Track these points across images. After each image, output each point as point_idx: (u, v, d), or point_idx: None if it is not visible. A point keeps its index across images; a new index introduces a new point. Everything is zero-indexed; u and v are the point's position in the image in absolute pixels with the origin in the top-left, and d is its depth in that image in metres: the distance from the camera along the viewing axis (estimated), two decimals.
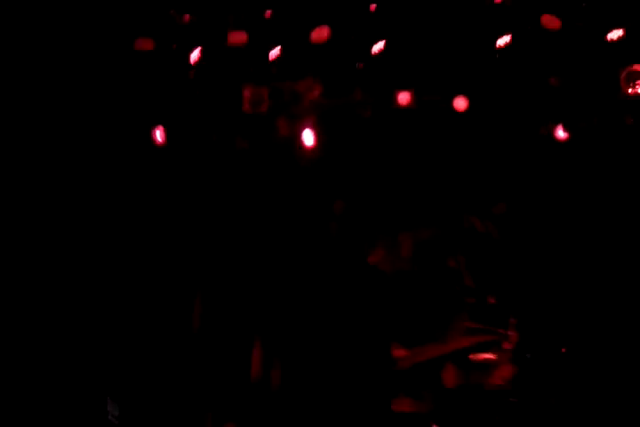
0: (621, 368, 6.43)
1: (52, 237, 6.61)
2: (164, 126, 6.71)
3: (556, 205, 6.62)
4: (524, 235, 6.72)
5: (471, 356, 6.51)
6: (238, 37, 6.43)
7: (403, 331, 6.64)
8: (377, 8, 6.46)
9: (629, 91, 6.23)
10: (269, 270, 6.70)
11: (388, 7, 6.52)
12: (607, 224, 6.52)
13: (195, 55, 6.44)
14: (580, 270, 6.62)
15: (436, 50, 6.56)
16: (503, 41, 6.48)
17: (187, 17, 6.43)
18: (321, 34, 6.45)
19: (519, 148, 6.62)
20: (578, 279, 6.65)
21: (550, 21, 6.26)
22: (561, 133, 6.47)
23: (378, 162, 6.82)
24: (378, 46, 6.56)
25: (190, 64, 6.53)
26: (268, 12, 6.48)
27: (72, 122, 6.62)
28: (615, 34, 6.29)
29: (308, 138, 6.80)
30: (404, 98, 6.67)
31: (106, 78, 6.57)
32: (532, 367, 6.50)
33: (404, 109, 6.68)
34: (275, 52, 6.51)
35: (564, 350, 6.52)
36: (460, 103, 6.61)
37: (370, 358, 6.57)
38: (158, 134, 6.74)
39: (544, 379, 6.52)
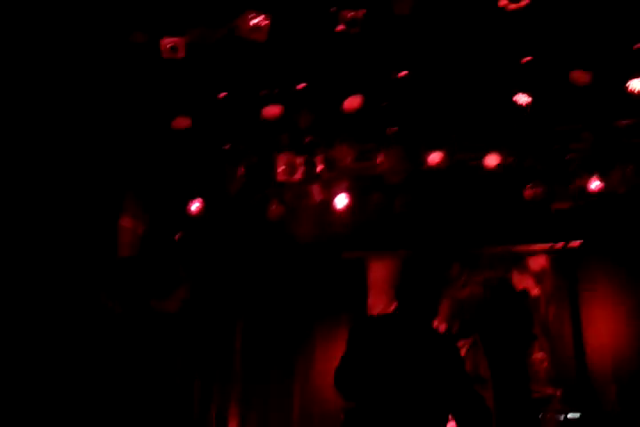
0: None
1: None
2: (202, 199, 6.79)
3: None
4: None
5: None
6: (273, 110, 6.46)
7: None
8: (407, 74, 6.52)
9: None
10: None
11: (418, 71, 6.58)
12: None
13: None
14: None
15: (465, 108, 6.65)
16: (527, 99, 6.59)
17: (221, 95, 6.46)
18: (353, 102, 6.51)
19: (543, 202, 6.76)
20: None
21: (580, 76, 6.37)
22: (595, 185, 6.63)
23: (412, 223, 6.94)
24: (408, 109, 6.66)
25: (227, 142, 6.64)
26: (300, 85, 6.52)
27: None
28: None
29: (341, 202, 6.89)
30: (435, 158, 6.78)
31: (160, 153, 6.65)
32: None
33: (436, 169, 6.79)
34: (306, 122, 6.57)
35: None
36: (492, 160, 6.74)
37: None
38: (195, 206, 6.81)
39: None
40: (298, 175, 6.65)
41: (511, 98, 6.47)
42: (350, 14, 5.83)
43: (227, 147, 6.74)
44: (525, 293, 7.01)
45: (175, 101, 6.34)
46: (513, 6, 5.80)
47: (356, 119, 6.50)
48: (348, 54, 6.33)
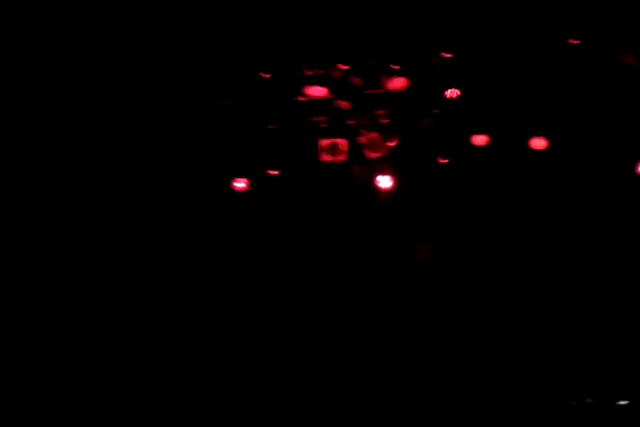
0: None
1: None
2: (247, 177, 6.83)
3: None
4: None
5: None
6: (319, 91, 6.52)
7: None
8: (452, 56, 6.51)
9: None
10: None
11: (462, 53, 6.57)
12: None
13: None
14: None
15: (511, 91, 6.62)
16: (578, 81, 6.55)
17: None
18: (397, 83, 6.52)
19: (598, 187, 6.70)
20: None
21: (629, 59, 6.32)
22: None
23: (455, 204, 6.92)
24: (453, 92, 6.64)
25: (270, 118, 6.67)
26: (345, 67, 6.54)
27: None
28: None
29: (385, 182, 6.89)
30: (480, 140, 6.75)
31: (192, 130, 6.71)
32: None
33: (481, 151, 6.76)
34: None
35: None
36: (538, 143, 6.70)
37: None
38: (241, 184, 6.85)
39: None
40: (342, 157, 6.70)
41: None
42: None
43: (272, 127, 6.78)
44: None
45: (220, 80, 6.43)
46: None
47: (399, 100, 6.54)
48: (393, 35, 6.37)
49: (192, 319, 6.69)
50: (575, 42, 6.46)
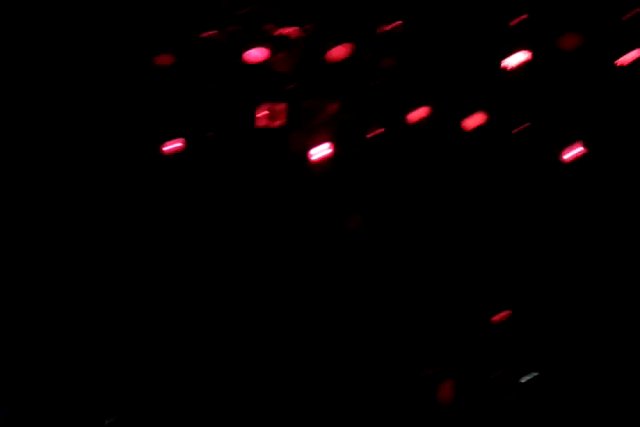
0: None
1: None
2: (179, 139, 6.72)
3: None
4: None
5: None
6: (257, 55, 6.42)
7: None
8: (393, 27, 6.48)
9: None
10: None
11: (405, 26, 6.55)
12: None
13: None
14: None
15: (450, 66, 6.62)
16: (518, 59, 6.56)
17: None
18: (339, 52, 6.47)
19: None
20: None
21: (569, 41, 6.36)
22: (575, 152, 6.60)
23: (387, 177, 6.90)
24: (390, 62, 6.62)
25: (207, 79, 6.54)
26: (288, 30, 6.46)
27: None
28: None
29: (321, 151, 6.85)
30: (417, 114, 6.74)
31: (119, 89, 6.55)
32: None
33: (418, 125, 6.75)
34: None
35: None
36: (474, 120, 6.70)
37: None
38: (171, 147, 6.75)
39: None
40: (279, 122, 6.62)
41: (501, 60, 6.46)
42: None
43: (210, 87, 6.67)
44: None
45: (158, 39, 6.31)
46: None
47: (341, 70, 6.48)
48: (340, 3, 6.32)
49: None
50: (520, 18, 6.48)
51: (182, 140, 6.69)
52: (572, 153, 6.56)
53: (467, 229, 6.79)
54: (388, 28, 6.49)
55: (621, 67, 6.37)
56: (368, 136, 6.75)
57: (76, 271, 6.59)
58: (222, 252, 6.71)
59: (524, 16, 6.31)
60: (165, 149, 6.72)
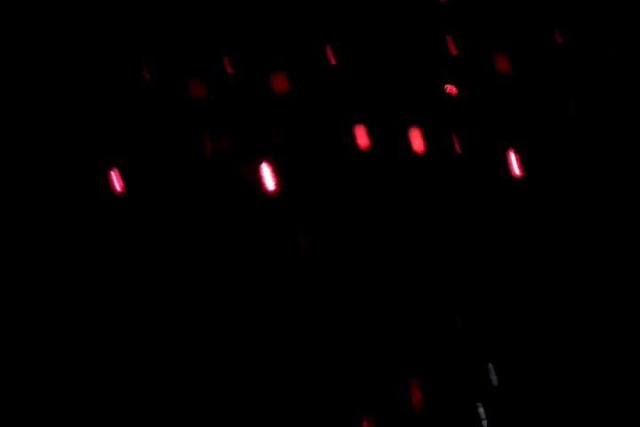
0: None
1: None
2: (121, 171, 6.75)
3: None
4: None
5: None
6: (199, 90, 6.52)
7: None
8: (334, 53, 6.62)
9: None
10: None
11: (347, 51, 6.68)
12: None
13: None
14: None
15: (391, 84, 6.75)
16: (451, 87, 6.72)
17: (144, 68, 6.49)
18: (280, 84, 6.59)
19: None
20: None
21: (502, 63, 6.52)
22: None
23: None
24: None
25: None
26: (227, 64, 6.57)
27: None
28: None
29: (269, 182, 6.91)
30: (362, 138, 6.85)
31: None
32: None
33: (363, 150, 6.85)
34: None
35: None
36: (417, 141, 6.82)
37: None
38: (115, 179, 6.77)
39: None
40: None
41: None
42: None
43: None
44: None
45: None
46: None
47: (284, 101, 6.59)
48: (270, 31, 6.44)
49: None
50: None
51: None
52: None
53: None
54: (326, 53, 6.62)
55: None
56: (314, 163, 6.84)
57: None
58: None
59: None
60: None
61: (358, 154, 6.90)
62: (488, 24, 6.60)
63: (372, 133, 6.80)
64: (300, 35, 6.60)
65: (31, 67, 6.48)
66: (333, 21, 6.62)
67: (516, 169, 6.75)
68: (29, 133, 6.59)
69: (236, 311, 6.66)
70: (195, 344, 6.57)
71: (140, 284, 6.62)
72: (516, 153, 6.70)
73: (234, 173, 6.84)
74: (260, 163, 6.81)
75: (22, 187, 6.59)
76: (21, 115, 6.58)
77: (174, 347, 6.50)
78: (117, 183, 6.72)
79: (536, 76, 6.64)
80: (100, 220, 6.64)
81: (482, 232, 6.72)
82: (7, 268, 6.43)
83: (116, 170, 6.68)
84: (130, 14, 6.50)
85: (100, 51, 6.56)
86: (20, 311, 6.40)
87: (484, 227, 6.73)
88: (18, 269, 6.44)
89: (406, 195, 6.86)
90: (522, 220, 6.74)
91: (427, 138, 6.79)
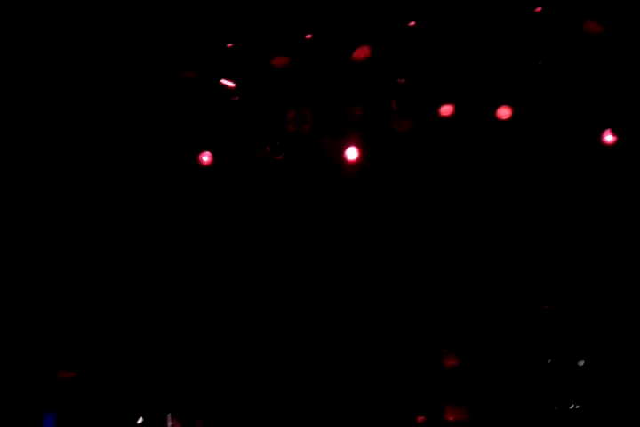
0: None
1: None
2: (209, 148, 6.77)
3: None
4: None
5: None
6: (282, 60, 6.46)
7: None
8: (416, 24, 6.48)
9: None
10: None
11: (427, 24, 6.54)
12: None
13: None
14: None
15: (476, 60, 6.60)
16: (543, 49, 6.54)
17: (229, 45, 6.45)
18: (362, 52, 6.48)
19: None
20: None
21: (593, 27, 6.33)
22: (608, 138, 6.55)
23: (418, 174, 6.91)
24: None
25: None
26: (309, 35, 6.49)
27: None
28: None
29: (351, 154, 6.86)
30: (446, 110, 6.73)
31: (153, 103, 6.63)
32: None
33: (447, 121, 6.74)
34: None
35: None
36: (504, 112, 6.68)
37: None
38: (205, 156, 6.80)
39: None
40: (307, 126, 6.65)
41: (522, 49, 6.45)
42: None
43: (236, 98, 6.71)
44: None
45: (183, 52, 6.36)
46: None
47: (365, 70, 6.49)
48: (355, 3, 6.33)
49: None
50: (538, 10, 6.46)
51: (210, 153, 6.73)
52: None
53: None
54: (410, 24, 6.49)
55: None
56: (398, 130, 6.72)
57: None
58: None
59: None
60: (201, 160, 6.78)
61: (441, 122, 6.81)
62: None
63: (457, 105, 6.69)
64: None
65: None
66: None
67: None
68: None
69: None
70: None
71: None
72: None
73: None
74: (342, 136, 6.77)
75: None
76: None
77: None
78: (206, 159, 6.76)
79: None
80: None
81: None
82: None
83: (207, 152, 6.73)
84: None
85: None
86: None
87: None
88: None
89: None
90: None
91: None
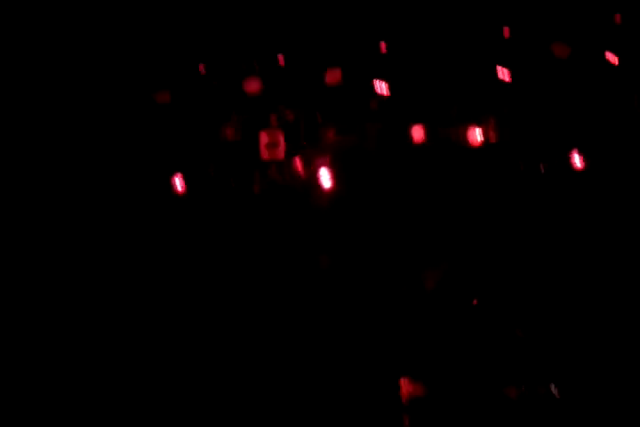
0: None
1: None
2: (183, 174, 6.75)
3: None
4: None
5: None
6: (253, 85, 6.49)
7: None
8: (387, 47, 6.56)
9: None
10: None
11: (398, 46, 6.62)
12: None
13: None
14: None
15: (446, 82, 6.68)
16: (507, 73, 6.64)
17: (201, 67, 6.47)
18: (334, 76, 6.54)
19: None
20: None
21: (560, 49, 6.43)
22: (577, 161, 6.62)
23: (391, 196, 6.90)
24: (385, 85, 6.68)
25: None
26: (281, 58, 6.54)
27: None
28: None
29: (325, 177, 6.85)
30: (417, 132, 6.77)
31: (126, 130, 6.62)
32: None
33: (418, 144, 6.78)
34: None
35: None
36: (474, 136, 6.73)
37: None
38: (178, 182, 6.77)
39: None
40: (281, 153, 6.65)
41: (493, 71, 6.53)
42: None
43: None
44: None
45: (156, 75, 6.38)
46: None
47: (337, 93, 6.54)
48: (328, 27, 6.39)
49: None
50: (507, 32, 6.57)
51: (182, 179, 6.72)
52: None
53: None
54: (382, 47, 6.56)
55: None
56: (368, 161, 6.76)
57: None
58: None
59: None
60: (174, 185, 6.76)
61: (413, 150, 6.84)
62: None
63: (427, 130, 6.73)
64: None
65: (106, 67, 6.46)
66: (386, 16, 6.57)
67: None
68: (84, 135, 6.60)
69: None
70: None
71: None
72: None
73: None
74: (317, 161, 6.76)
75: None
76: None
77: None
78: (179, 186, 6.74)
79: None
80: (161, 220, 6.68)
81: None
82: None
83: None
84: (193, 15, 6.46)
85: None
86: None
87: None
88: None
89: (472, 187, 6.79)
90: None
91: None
